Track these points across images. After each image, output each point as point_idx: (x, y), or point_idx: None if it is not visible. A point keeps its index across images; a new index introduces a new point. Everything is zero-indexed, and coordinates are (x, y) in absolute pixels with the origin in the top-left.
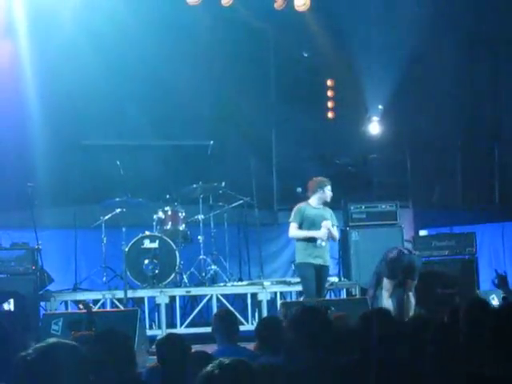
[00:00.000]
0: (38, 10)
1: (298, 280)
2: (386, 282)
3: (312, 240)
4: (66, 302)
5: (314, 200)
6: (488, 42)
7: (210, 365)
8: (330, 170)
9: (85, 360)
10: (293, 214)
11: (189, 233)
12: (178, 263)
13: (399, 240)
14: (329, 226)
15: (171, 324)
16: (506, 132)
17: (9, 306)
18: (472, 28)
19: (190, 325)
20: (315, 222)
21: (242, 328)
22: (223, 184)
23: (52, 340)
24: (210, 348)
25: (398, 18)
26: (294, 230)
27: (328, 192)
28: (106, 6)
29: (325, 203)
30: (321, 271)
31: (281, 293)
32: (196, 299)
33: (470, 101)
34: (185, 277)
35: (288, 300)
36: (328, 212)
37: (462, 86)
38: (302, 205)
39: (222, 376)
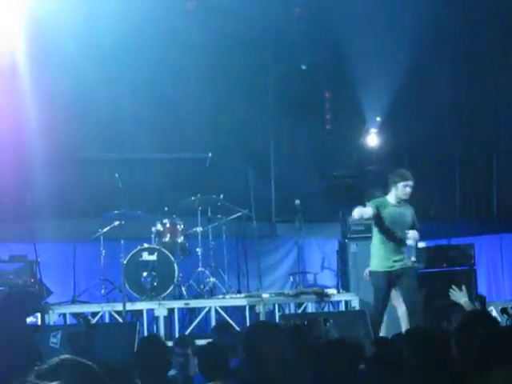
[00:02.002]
0: (38, 24)
1: (297, 291)
2: None
3: (392, 240)
4: (64, 315)
5: (391, 196)
6: (487, 54)
7: None
8: (328, 182)
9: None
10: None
11: (187, 245)
12: (176, 275)
13: None
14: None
15: (170, 336)
16: (505, 144)
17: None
18: (471, 39)
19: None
20: (395, 221)
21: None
22: (221, 196)
23: (64, 357)
24: None
25: (396, 29)
26: (363, 209)
27: (404, 189)
28: (105, 20)
29: (404, 200)
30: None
31: (279, 305)
32: (194, 311)
33: (468, 112)
34: (183, 289)
35: (287, 312)
36: (409, 211)
37: (460, 97)
38: (380, 199)
39: None
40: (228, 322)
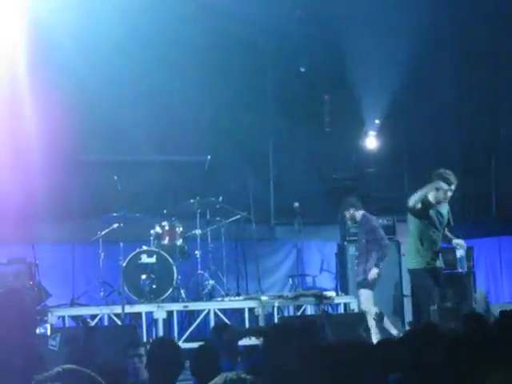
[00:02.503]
0: (38, 26)
1: (296, 294)
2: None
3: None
4: (63, 318)
5: (431, 196)
6: (486, 55)
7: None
8: (327, 185)
9: None
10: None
11: (186, 248)
12: (175, 278)
13: (396, 254)
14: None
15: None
16: (504, 145)
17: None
18: (470, 40)
19: (188, 340)
20: (435, 221)
21: (240, 343)
22: (220, 199)
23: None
24: None
25: (395, 31)
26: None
27: (445, 193)
28: (104, 23)
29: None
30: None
31: (278, 307)
32: (193, 314)
33: (468, 114)
34: (182, 292)
35: (286, 315)
36: (445, 208)
37: (460, 98)
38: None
39: None
40: (226, 322)
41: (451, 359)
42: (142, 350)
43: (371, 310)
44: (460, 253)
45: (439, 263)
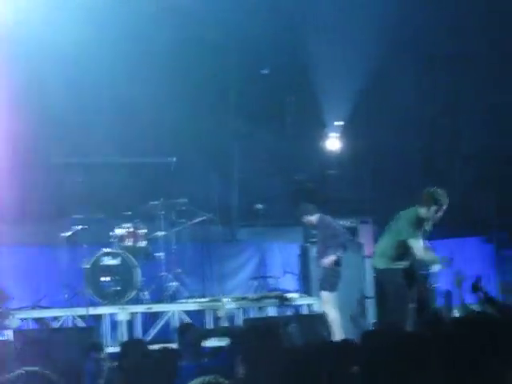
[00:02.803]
0: (2, 29)
1: (259, 296)
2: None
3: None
4: (26, 320)
5: (422, 210)
6: (448, 58)
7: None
8: (290, 187)
9: None
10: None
11: (150, 249)
12: (138, 280)
13: (359, 256)
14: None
15: None
16: (466, 147)
17: None
18: (432, 43)
19: (151, 342)
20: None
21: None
22: (185, 200)
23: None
24: None
25: (358, 34)
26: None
27: (435, 214)
28: (68, 25)
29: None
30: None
31: (242, 309)
32: (157, 316)
33: (430, 116)
34: (146, 293)
35: (249, 316)
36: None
37: (422, 101)
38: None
39: None
40: (191, 323)
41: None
42: (103, 354)
43: (330, 312)
44: (435, 268)
45: (406, 265)
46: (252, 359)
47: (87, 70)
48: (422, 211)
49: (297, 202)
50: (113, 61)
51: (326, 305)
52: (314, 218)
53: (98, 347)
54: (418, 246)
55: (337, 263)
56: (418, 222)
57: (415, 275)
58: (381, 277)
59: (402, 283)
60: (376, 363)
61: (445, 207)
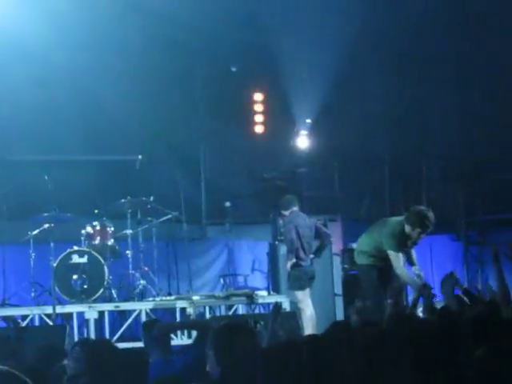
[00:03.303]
0: None
1: (227, 293)
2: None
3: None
4: None
5: (407, 230)
6: (415, 57)
7: None
8: (258, 185)
9: None
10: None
11: (117, 248)
12: (106, 278)
13: (328, 254)
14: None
15: None
16: (433, 146)
17: None
18: (399, 43)
19: (120, 340)
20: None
21: (172, 343)
22: (152, 199)
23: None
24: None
25: (326, 31)
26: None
27: (418, 236)
28: (33, 18)
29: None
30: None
31: (210, 307)
32: (125, 314)
33: (397, 115)
34: (114, 292)
35: (217, 314)
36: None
37: (390, 100)
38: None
39: None
40: (156, 318)
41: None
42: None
43: (306, 309)
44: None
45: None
46: (225, 357)
47: (55, 65)
48: (407, 228)
49: (265, 200)
50: (79, 57)
51: (301, 303)
52: (286, 213)
53: (62, 354)
54: (397, 260)
55: (297, 264)
56: (401, 237)
57: (392, 272)
58: (359, 272)
59: (379, 279)
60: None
61: (429, 230)
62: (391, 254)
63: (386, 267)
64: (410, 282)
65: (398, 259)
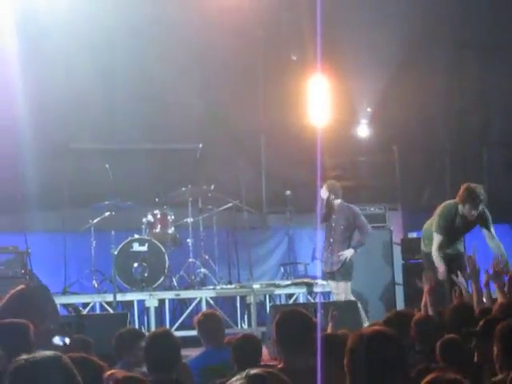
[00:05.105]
0: (28, 15)
1: (288, 282)
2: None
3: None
4: None
5: (460, 207)
6: (476, 46)
7: (236, 376)
8: (318, 174)
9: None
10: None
11: (178, 236)
12: (167, 266)
13: (388, 243)
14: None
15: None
16: (494, 134)
17: None
18: (461, 31)
19: (180, 328)
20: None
21: (231, 331)
22: (212, 187)
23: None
24: (199, 351)
25: (386, 19)
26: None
27: (469, 212)
28: (94, 10)
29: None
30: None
31: (270, 296)
32: (185, 302)
33: (458, 104)
34: (174, 280)
35: (278, 303)
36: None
37: (450, 88)
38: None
39: None
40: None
41: None
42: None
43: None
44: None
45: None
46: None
47: (116, 55)
48: (460, 208)
49: None
50: (142, 47)
51: (348, 295)
52: (336, 202)
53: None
54: (436, 241)
55: (355, 248)
56: (447, 216)
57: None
58: (423, 259)
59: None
60: None
61: (481, 208)
62: (434, 234)
63: (453, 254)
64: (437, 266)
65: (436, 240)
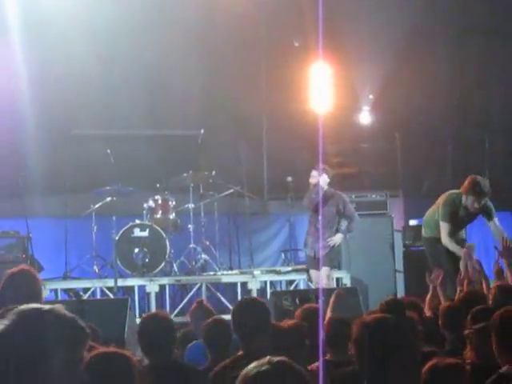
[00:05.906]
0: (29, 2)
1: (288, 269)
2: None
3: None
4: (55, 291)
5: (464, 198)
6: (478, 32)
7: (256, 363)
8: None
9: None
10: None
11: (179, 222)
12: (168, 252)
13: (389, 230)
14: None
15: None
16: (496, 122)
17: None
18: (462, 18)
19: (180, 313)
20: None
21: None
22: (213, 173)
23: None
24: None
25: (388, 6)
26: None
27: (473, 204)
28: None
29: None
30: None
31: (271, 282)
32: (186, 288)
33: (460, 91)
34: (175, 265)
35: (278, 289)
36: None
37: (451, 75)
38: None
39: (273, 373)
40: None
41: None
42: None
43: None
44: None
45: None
46: None
47: (117, 41)
48: (463, 198)
49: None
50: (143, 33)
51: (329, 281)
52: (326, 187)
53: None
54: (444, 229)
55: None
56: (452, 206)
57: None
58: (425, 245)
59: (447, 251)
60: None
61: (483, 201)
62: (441, 224)
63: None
64: (456, 252)
65: (444, 229)
